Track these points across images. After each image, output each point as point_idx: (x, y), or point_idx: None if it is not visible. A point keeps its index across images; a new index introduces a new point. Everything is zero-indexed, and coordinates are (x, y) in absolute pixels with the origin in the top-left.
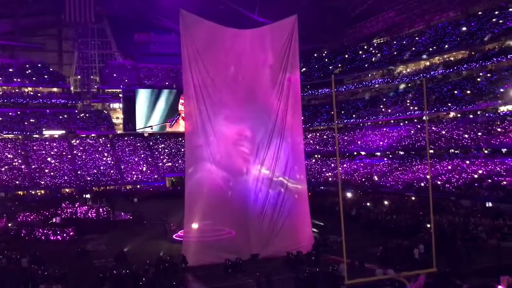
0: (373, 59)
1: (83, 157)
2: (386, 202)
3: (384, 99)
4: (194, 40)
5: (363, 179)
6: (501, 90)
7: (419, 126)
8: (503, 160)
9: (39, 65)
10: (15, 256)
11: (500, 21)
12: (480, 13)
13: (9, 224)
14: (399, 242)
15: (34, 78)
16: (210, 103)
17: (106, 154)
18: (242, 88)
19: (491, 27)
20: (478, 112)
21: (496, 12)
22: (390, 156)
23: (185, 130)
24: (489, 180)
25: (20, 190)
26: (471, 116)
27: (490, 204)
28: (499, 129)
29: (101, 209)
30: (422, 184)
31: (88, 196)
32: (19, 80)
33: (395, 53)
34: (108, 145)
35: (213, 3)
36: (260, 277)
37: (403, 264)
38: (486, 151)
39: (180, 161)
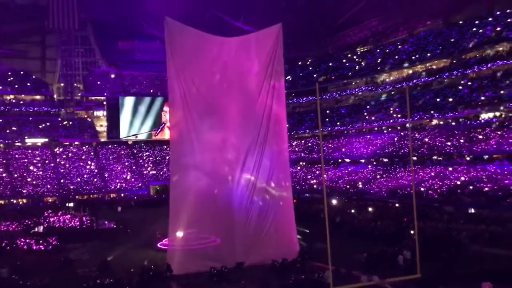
0: (357, 67)
1: (66, 165)
2: (370, 209)
3: (368, 107)
4: (179, 48)
5: (348, 186)
6: (482, 98)
7: (402, 133)
8: (484, 166)
9: (22, 72)
10: None
11: (480, 31)
12: (461, 22)
13: None
14: (383, 249)
15: (16, 86)
16: (195, 111)
17: (89, 162)
18: (227, 96)
19: (472, 36)
20: (460, 120)
21: (477, 22)
22: (374, 163)
23: (170, 138)
24: (471, 187)
25: (1, 199)
26: (453, 123)
27: (473, 210)
28: (480, 136)
29: (84, 218)
30: (406, 191)
31: (71, 204)
32: (1, 87)
33: (378, 61)
34: (92, 153)
35: (199, 11)
36: (245, 285)
37: (388, 271)
38: (468, 158)
39: (164, 169)
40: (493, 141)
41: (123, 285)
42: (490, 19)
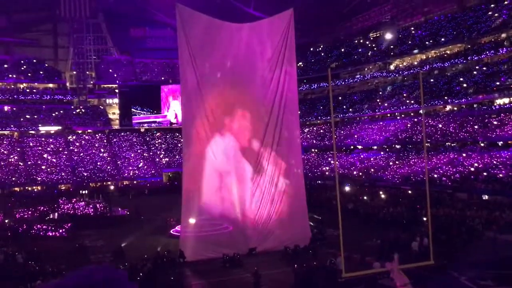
0: (369, 53)
1: (80, 153)
2: (383, 196)
3: (380, 93)
4: (191, 34)
5: (360, 173)
6: (497, 83)
7: (415, 119)
8: (499, 153)
9: (34, 61)
10: (12, 253)
11: (496, 15)
12: (476, 6)
13: (6, 221)
14: (396, 235)
15: (29, 74)
16: (208, 98)
17: (102, 150)
18: (239, 82)
19: (487, 21)
20: (474, 105)
21: (492, 5)
22: (387, 149)
23: (182, 125)
24: (485, 173)
25: (16, 187)
26: (467, 109)
27: (487, 197)
28: (495, 122)
29: (98, 205)
30: (419, 178)
31: (85, 192)
32: (14, 76)
33: (391, 46)
34: (105, 141)
35: None
36: (257, 272)
37: (401, 257)
38: (482, 144)
39: (177, 156)
40: (508, 127)
41: (137, 271)
42: (506, 2)
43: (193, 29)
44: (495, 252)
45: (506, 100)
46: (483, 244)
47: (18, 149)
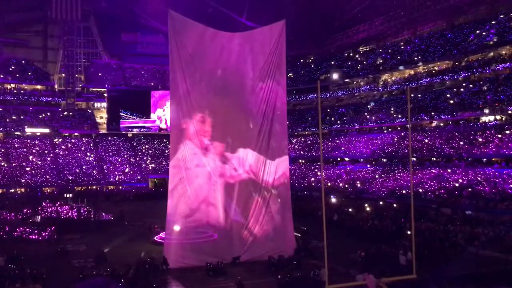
0: (358, 67)
1: (66, 156)
2: (368, 208)
3: (368, 106)
4: (182, 41)
5: (346, 185)
6: (483, 101)
7: (402, 134)
8: (483, 169)
9: (23, 61)
10: None
11: (484, 33)
12: (464, 24)
13: None
14: (380, 248)
15: (17, 75)
16: (197, 106)
17: (88, 154)
18: (229, 91)
19: (475, 39)
20: (460, 122)
21: (480, 25)
22: (373, 163)
23: (170, 131)
24: (469, 189)
25: None
26: (453, 125)
27: (470, 213)
28: (480, 139)
29: (82, 209)
30: (404, 192)
31: (69, 195)
32: (1, 76)
33: (380, 61)
34: (91, 145)
35: (202, 5)
36: (241, 281)
37: (385, 270)
38: (467, 161)
39: (163, 163)
40: (492, 144)
41: (119, 277)
42: (493, 22)
43: (185, 37)
44: (477, 267)
45: (491, 118)
46: (465, 259)
47: (3, 150)
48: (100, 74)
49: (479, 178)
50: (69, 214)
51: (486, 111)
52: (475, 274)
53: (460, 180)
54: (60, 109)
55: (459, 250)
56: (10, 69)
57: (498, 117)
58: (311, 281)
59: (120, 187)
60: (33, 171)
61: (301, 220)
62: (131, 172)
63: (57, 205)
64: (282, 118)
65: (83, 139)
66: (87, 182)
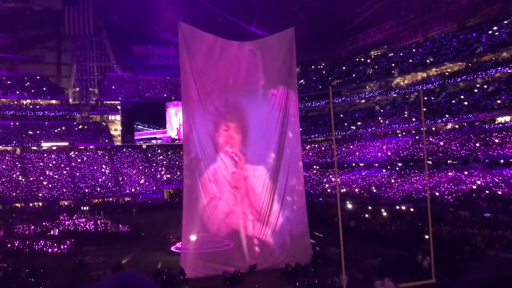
0: (370, 71)
1: (82, 169)
2: (384, 213)
3: (381, 110)
4: (193, 52)
5: (362, 191)
6: (498, 101)
7: (417, 137)
8: (500, 171)
9: (38, 77)
10: (12, 269)
11: (496, 33)
12: (476, 25)
13: (7, 237)
14: (398, 253)
15: (32, 91)
16: (210, 116)
17: (104, 166)
18: (240, 101)
19: (488, 39)
20: (476, 123)
21: (492, 25)
22: (389, 167)
23: (184, 142)
24: (487, 191)
25: (18, 202)
26: (468, 127)
27: (489, 215)
28: (496, 140)
29: (99, 221)
30: (421, 195)
31: (86, 208)
32: (17, 92)
33: (392, 64)
34: (107, 157)
35: (212, 16)
36: None
37: (403, 275)
38: (484, 162)
39: (178, 173)
40: (509, 145)
41: None
42: (505, 21)
43: (195, 48)
44: (497, 271)
45: (507, 118)
46: (485, 263)
47: (20, 165)
48: (113, 87)
49: (496, 180)
50: (87, 226)
51: (501, 111)
52: (495, 278)
53: (478, 182)
54: (75, 123)
55: (478, 253)
56: (26, 85)
57: None
58: None
59: (136, 199)
60: (50, 185)
61: (317, 227)
62: (147, 183)
63: (74, 218)
64: (295, 125)
65: (99, 151)
66: (103, 194)
